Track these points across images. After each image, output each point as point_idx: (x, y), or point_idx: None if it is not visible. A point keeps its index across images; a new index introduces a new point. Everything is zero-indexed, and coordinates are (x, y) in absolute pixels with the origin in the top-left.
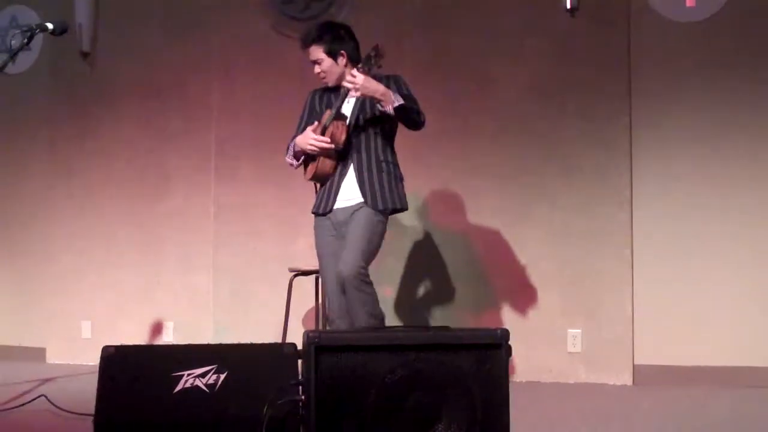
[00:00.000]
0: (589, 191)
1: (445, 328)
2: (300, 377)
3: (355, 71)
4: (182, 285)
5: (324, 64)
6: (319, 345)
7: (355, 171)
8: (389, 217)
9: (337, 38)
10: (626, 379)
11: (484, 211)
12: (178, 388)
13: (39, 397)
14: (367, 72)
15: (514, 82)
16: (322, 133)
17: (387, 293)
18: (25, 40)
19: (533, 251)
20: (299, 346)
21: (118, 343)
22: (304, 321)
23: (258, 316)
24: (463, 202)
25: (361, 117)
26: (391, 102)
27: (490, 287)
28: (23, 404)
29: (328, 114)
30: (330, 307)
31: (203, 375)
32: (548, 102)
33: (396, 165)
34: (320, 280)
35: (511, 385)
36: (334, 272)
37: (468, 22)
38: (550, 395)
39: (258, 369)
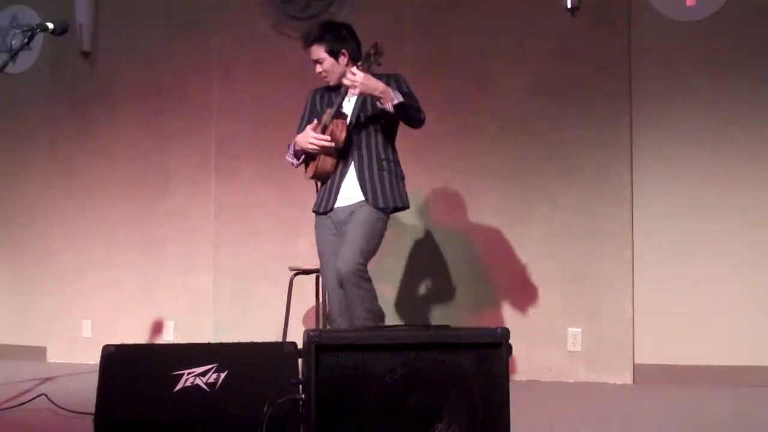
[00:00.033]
0: (590, 191)
1: (446, 327)
2: (300, 376)
3: (354, 69)
4: (183, 284)
5: (325, 63)
6: (319, 344)
7: (355, 169)
8: (390, 215)
9: (339, 37)
10: (626, 378)
11: (485, 210)
12: (179, 387)
13: (39, 396)
14: (366, 70)
15: (515, 82)
16: (323, 132)
17: (387, 292)
18: (26, 40)
19: (534, 251)
20: (299, 345)
21: (119, 342)
22: (305, 320)
23: (258, 315)
24: (464, 201)
25: (361, 115)
26: (391, 99)
27: (490, 286)
28: (24, 403)
29: (328, 113)
30: (330, 305)
31: (203, 374)
32: (548, 102)
33: (397, 163)
34: (321, 279)
35: (511, 384)
36: (334, 271)
37: (468, 22)
38: (550, 394)
39: (258, 368)
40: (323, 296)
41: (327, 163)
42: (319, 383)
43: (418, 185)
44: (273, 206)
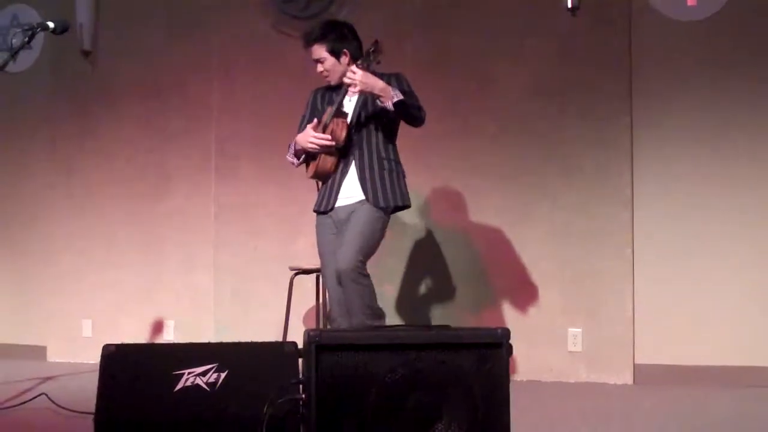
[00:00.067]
0: (590, 191)
1: (446, 327)
2: (300, 376)
3: (354, 67)
4: (183, 284)
5: (327, 63)
6: (319, 344)
7: (356, 169)
8: (392, 215)
9: (340, 37)
10: (627, 378)
11: (485, 210)
12: (179, 386)
13: (40, 395)
14: (366, 68)
15: (515, 82)
16: (323, 131)
17: (388, 292)
18: (26, 39)
19: (534, 251)
20: (300, 345)
21: (119, 342)
22: (305, 320)
23: (258, 315)
24: (464, 201)
25: (362, 114)
26: (391, 97)
27: (490, 286)
28: (24, 402)
29: (328, 112)
30: (331, 304)
31: (204, 374)
32: (549, 102)
33: (398, 162)
34: (321, 278)
35: (511, 384)
36: (334, 270)
37: (468, 22)
38: (550, 394)
39: (258, 368)
40: (323, 296)
41: (327, 162)
42: (319, 383)
43: (418, 185)
44: (273, 206)
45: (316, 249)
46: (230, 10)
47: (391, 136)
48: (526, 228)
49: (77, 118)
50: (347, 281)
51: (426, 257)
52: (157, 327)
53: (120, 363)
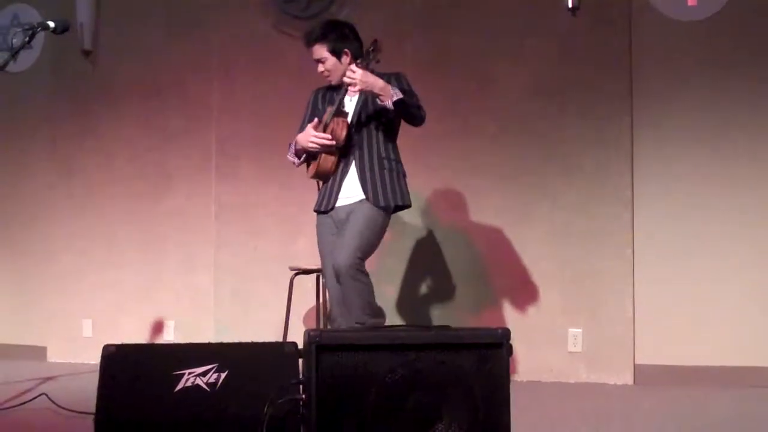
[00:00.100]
0: (590, 191)
1: (446, 328)
2: (301, 376)
3: (353, 66)
4: (183, 284)
5: (328, 62)
6: (319, 344)
7: (356, 168)
8: (392, 214)
9: (341, 37)
10: (627, 378)
11: (485, 210)
12: (179, 386)
13: (40, 395)
14: (365, 67)
15: (515, 82)
16: (324, 131)
17: (388, 292)
18: (27, 39)
19: (534, 251)
20: (300, 345)
21: (119, 342)
22: (305, 320)
23: (259, 315)
24: (464, 201)
25: (363, 114)
26: (390, 96)
27: (490, 286)
28: (24, 403)
29: (329, 111)
30: (331, 303)
31: (204, 374)
32: (549, 102)
33: (398, 162)
34: (321, 278)
35: (511, 384)
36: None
37: (468, 22)
38: (550, 395)
39: (259, 368)
40: (324, 296)
41: (328, 161)
42: (319, 383)
43: (418, 185)
44: (273, 206)
45: (317, 249)
46: (230, 10)
47: (391, 136)
48: (526, 228)
49: (77, 117)
50: (346, 278)
51: (426, 257)
52: (158, 327)
53: (120, 363)
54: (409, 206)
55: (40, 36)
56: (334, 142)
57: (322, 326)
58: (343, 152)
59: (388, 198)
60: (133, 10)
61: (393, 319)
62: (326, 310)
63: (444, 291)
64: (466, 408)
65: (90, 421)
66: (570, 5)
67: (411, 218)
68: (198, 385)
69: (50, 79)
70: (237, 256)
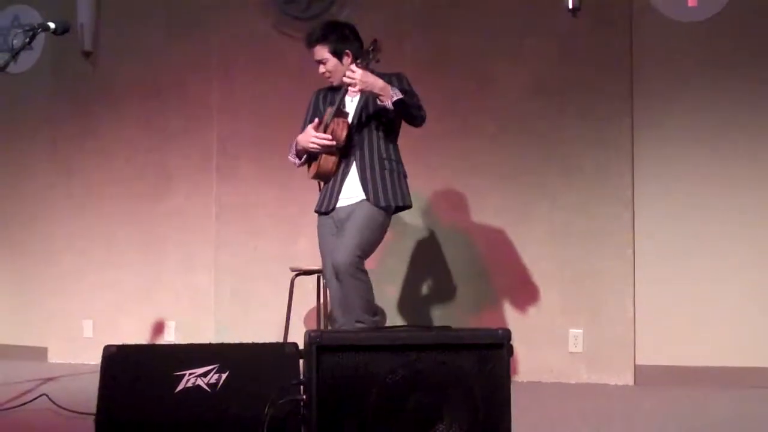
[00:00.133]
0: (590, 191)
1: (447, 328)
2: (301, 377)
3: (353, 66)
4: (183, 284)
5: (329, 63)
6: (320, 345)
7: (357, 169)
8: (393, 215)
9: (342, 38)
10: (627, 379)
11: (485, 210)
12: (180, 387)
13: (40, 396)
14: (365, 67)
15: (514, 81)
16: (324, 131)
17: (389, 292)
18: (27, 40)
19: (534, 251)
20: (301, 346)
21: (120, 343)
22: (306, 320)
23: (259, 315)
24: (464, 201)
25: (363, 114)
26: (390, 96)
27: (491, 287)
28: (25, 403)
29: (329, 112)
30: (331, 303)
31: (205, 374)
32: (549, 102)
33: (399, 162)
34: (322, 279)
35: (512, 385)
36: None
37: (468, 22)
38: (551, 395)
39: (259, 368)
40: (324, 296)
41: (329, 162)
42: (320, 384)
43: (418, 185)
44: (274, 206)
45: (317, 249)
46: (230, 10)
47: (392, 136)
48: (526, 228)
49: (78, 118)
50: (345, 276)
51: (426, 257)
52: (158, 328)
53: (121, 364)
54: (409, 207)
55: (41, 37)
56: (334, 143)
57: (322, 327)
58: (343, 153)
59: (389, 198)
60: (134, 11)
61: (394, 319)
62: (327, 310)
63: (444, 291)
64: (467, 408)
65: (91, 421)
66: (570, 6)
67: (411, 218)
68: (199, 385)
69: (50, 80)
70: (237, 257)
